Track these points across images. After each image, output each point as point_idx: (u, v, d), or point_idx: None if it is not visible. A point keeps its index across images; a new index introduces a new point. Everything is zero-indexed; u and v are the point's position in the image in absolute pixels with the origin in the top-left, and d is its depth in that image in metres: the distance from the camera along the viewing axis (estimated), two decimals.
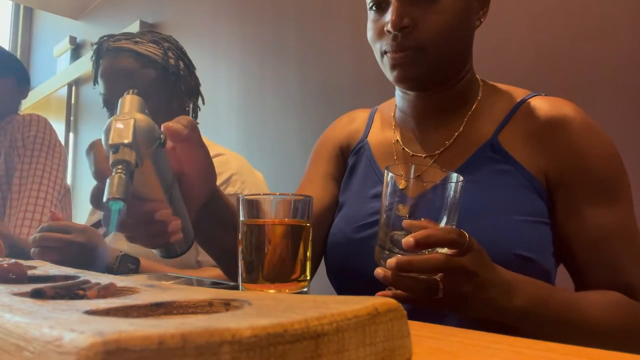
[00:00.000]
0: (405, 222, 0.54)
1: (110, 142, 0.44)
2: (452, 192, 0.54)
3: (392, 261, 0.51)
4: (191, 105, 1.17)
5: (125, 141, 0.44)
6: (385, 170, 0.57)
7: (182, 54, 1.14)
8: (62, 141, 1.69)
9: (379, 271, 0.53)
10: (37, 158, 1.55)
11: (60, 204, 1.59)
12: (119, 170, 0.43)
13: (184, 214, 0.56)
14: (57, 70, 3.63)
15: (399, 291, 0.52)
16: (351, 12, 1.75)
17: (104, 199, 0.42)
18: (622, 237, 0.64)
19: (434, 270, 0.51)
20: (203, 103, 1.20)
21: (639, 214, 0.68)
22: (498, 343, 0.34)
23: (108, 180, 0.42)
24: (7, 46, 4.21)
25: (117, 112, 0.48)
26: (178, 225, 0.53)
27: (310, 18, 1.93)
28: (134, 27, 2.78)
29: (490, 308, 0.53)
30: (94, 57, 1.10)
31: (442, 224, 0.55)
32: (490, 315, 0.54)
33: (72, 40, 3.53)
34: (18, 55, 4.13)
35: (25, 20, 4.23)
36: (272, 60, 2.08)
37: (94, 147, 0.49)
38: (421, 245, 0.50)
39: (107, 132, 0.45)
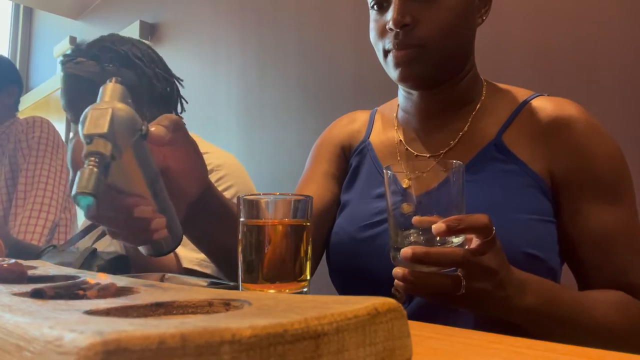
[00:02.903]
0: (416, 219, 0.53)
1: (84, 131, 0.41)
2: (455, 182, 0.53)
3: (407, 250, 0.49)
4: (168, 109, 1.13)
5: (100, 131, 0.41)
6: (385, 170, 0.56)
7: (130, 63, 1.06)
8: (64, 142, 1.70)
9: (397, 270, 0.51)
10: (42, 159, 1.57)
11: (66, 203, 1.60)
12: (91, 163, 0.40)
13: (169, 210, 0.54)
14: (57, 70, 3.63)
15: (420, 281, 0.51)
16: (351, 12, 1.75)
17: (72, 193, 0.39)
18: (626, 237, 0.64)
19: (452, 264, 0.50)
20: (183, 110, 1.16)
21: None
22: (498, 343, 0.34)
23: (78, 173, 0.40)
24: (7, 46, 4.21)
25: (97, 101, 0.45)
26: (162, 223, 0.51)
27: (310, 18, 1.93)
28: (134, 27, 2.78)
29: (504, 307, 0.53)
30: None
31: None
32: (501, 314, 0.54)
33: (72, 40, 3.53)
34: (18, 55, 4.13)
35: (25, 20, 4.23)
36: (272, 60, 2.08)
37: (75, 136, 0.47)
38: (453, 230, 0.48)
39: (83, 121, 0.42)
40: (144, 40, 1.17)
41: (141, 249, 0.57)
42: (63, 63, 1.05)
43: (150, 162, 0.51)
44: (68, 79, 1.05)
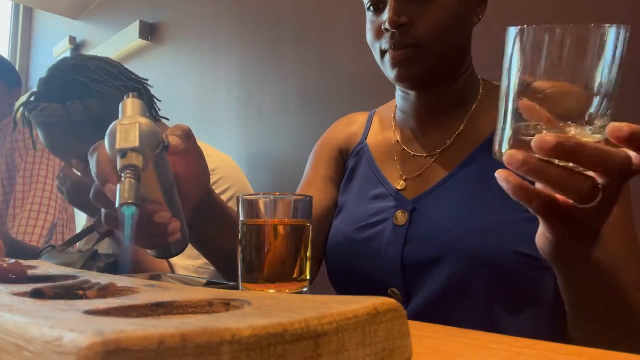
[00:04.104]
0: (526, 104, 0.40)
1: (117, 146, 0.44)
2: (613, 50, 0.38)
3: (546, 138, 0.36)
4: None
5: (133, 146, 0.44)
6: (512, 30, 0.41)
7: (88, 92, 1.00)
8: None
9: (514, 154, 0.40)
10: (40, 159, 1.56)
11: (64, 204, 1.60)
12: (129, 175, 0.43)
13: (181, 215, 0.57)
14: None
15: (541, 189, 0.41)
16: (351, 12, 1.75)
17: (117, 205, 0.42)
18: (620, 237, 0.64)
19: (615, 166, 0.38)
20: (158, 109, 1.12)
21: (637, 214, 0.68)
22: (498, 343, 0.34)
23: (119, 186, 0.42)
24: (7, 46, 4.21)
25: (120, 116, 0.48)
26: (177, 227, 0.53)
27: (310, 18, 1.93)
28: (134, 27, 2.78)
29: (596, 245, 0.45)
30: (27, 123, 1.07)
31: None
32: (587, 256, 0.46)
33: (72, 40, 3.53)
34: (18, 55, 4.13)
35: (25, 20, 4.23)
36: (272, 60, 2.08)
37: (97, 149, 0.49)
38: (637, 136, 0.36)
39: (112, 136, 0.45)
40: (97, 55, 1.09)
41: (150, 252, 0.60)
42: (29, 112, 1.01)
43: (168, 172, 0.54)
44: (40, 127, 1.02)
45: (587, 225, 0.43)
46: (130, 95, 0.49)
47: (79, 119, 0.98)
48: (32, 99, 1.01)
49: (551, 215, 0.43)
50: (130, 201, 0.41)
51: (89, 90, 1.00)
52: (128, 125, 0.45)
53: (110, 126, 0.46)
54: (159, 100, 1.14)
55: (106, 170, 0.48)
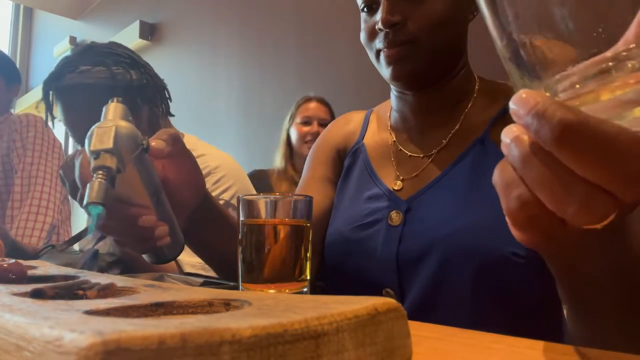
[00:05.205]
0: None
1: (91, 148, 0.45)
2: None
3: (532, 101, 0.25)
4: (161, 109, 1.07)
5: (106, 147, 0.45)
6: None
7: (133, 64, 1.00)
8: (62, 141, 1.70)
9: (508, 129, 0.28)
10: (39, 159, 1.56)
11: (61, 205, 1.60)
12: (100, 176, 0.44)
13: (171, 218, 0.57)
14: None
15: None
16: (351, 12, 1.76)
17: (84, 203, 0.43)
18: None
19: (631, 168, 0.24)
20: (165, 110, 1.09)
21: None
22: (498, 343, 0.34)
23: (88, 185, 0.43)
24: (7, 46, 4.21)
25: (101, 120, 0.48)
26: (165, 230, 0.53)
27: (310, 18, 1.93)
28: (134, 27, 2.78)
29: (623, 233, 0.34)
30: (44, 100, 0.99)
31: None
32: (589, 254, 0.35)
33: (72, 40, 3.53)
34: (18, 55, 4.14)
35: (25, 20, 4.23)
36: (272, 60, 2.08)
37: (81, 153, 0.50)
38: None
39: (89, 138, 0.46)
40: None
41: (145, 257, 0.60)
42: (63, 76, 0.95)
43: (152, 174, 0.54)
44: (70, 92, 0.96)
45: (583, 251, 0.33)
46: (114, 99, 0.50)
47: (123, 85, 0.94)
48: (62, 63, 0.96)
49: (529, 229, 0.31)
50: (96, 201, 0.42)
51: (134, 63, 0.98)
52: (105, 127, 0.46)
53: (90, 129, 0.47)
54: (170, 100, 1.10)
55: (87, 174, 0.48)
